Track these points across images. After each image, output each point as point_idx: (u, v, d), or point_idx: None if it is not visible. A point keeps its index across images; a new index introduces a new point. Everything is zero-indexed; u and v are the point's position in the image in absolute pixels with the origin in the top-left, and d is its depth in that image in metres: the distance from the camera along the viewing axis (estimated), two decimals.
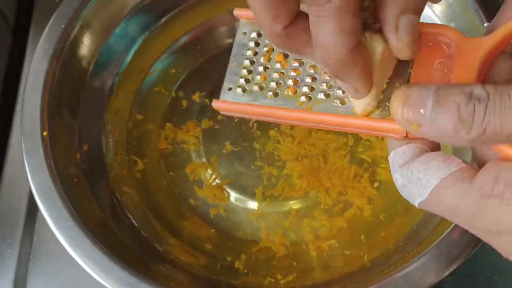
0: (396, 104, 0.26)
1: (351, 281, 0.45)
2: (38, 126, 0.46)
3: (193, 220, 0.51)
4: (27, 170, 0.45)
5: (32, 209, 0.51)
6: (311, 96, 0.30)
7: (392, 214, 0.49)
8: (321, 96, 0.30)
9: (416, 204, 0.27)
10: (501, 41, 0.27)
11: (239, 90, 0.32)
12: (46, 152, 0.45)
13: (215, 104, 0.32)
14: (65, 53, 0.49)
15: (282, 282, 0.47)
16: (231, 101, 0.32)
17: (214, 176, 0.52)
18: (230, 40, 0.56)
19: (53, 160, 0.45)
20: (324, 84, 0.30)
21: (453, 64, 0.28)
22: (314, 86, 0.30)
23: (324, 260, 0.49)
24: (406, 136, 0.28)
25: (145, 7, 0.55)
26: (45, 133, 0.46)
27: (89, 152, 0.50)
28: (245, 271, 0.48)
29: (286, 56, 0.32)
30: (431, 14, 0.52)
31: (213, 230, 0.51)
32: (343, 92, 0.30)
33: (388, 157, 0.29)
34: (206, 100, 0.54)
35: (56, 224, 0.43)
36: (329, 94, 0.30)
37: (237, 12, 0.33)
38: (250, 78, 0.32)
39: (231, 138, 0.53)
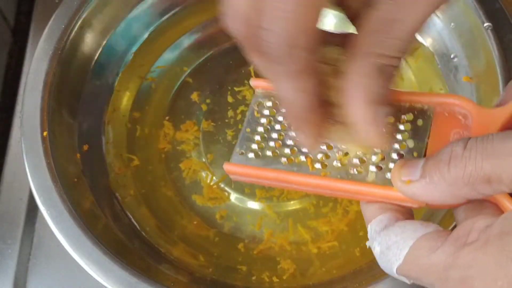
0: (394, 170, 0.27)
1: (351, 281, 0.45)
2: (38, 126, 0.46)
3: (193, 220, 0.51)
4: (27, 170, 0.45)
5: (32, 209, 0.51)
6: (327, 164, 0.30)
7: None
8: (336, 163, 0.29)
9: (394, 272, 0.27)
10: None
11: (251, 155, 0.31)
12: (46, 152, 0.45)
13: (226, 167, 0.31)
14: (65, 53, 0.49)
15: (282, 282, 0.47)
16: (242, 164, 0.31)
17: (214, 176, 0.52)
18: (230, 41, 0.55)
19: (53, 160, 0.45)
20: (340, 152, 0.30)
21: (471, 134, 0.28)
22: (330, 154, 0.30)
23: (324, 261, 0.48)
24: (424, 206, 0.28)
25: (145, 7, 0.55)
26: (45, 133, 0.46)
27: (89, 152, 0.50)
28: (246, 271, 0.48)
29: None
30: (431, 14, 0.52)
31: (213, 230, 0.51)
32: (360, 160, 0.29)
33: (367, 230, 0.29)
34: (207, 100, 0.54)
35: (56, 224, 0.43)
36: (345, 162, 0.29)
37: (253, 82, 0.33)
38: (264, 145, 0.31)
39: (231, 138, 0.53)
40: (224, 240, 0.50)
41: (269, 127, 0.32)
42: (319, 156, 0.30)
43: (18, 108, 0.55)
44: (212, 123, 0.54)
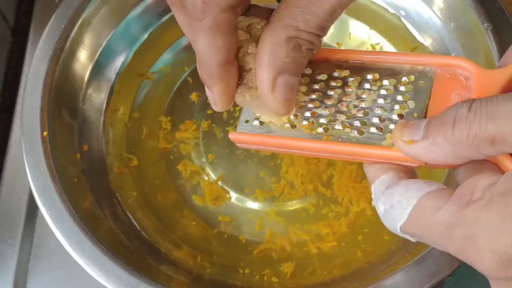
0: (396, 130, 0.28)
1: (351, 281, 0.45)
2: (38, 126, 0.46)
3: (194, 220, 0.51)
4: (27, 170, 0.45)
5: (32, 209, 0.51)
6: (328, 127, 0.30)
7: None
8: (338, 126, 0.30)
9: (398, 230, 0.27)
10: None
11: (256, 122, 0.32)
12: (46, 152, 0.45)
13: (232, 135, 0.32)
14: (65, 53, 0.49)
15: (282, 282, 0.47)
16: (248, 133, 0.32)
17: (214, 176, 0.52)
18: None
19: (53, 160, 0.45)
20: (343, 116, 0.30)
21: (472, 95, 0.28)
22: (332, 118, 0.30)
23: (324, 261, 0.48)
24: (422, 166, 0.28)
25: (145, 7, 0.55)
26: (45, 133, 0.46)
27: (89, 152, 0.50)
28: (246, 271, 0.48)
29: (306, 88, 0.32)
30: (432, 14, 0.52)
31: (213, 230, 0.51)
32: (362, 123, 0.30)
33: (371, 190, 0.29)
34: (208, 100, 0.54)
35: (56, 224, 0.43)
36: (346, 124, 0.30)
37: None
38: None
39: None
40: (224, 240, 0.50)
41: None
42: (322, 120, 0.30)
43: (18, 108, 0.55)
44: (212, 123, 0.54)
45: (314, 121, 0.30)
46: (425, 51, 0.53)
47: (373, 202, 0.29)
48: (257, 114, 0.32)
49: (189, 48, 0.56)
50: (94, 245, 0.42)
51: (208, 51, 0.28)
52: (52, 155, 0.45)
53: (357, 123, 0.30)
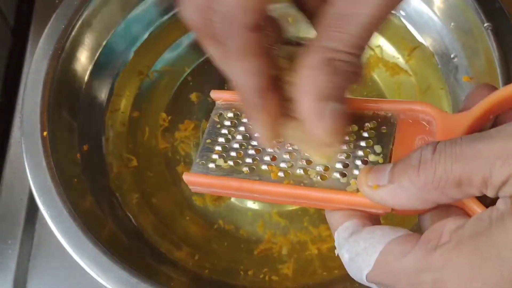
0: (361, 175, 0.27)
1: (351, 281, 0.45)
2: (38, 126, 0.46)
3: (194, 220, 0.51)
4: (27, 170, 0.45)
5: (32, 209, 0.51)
6: (289, 172, 0.29)
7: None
8: (299, 171, 0.29)
9: (364, 278, 0.26)
10: (480, 117, 0.27)
11: (212, 165, 0.30)
12: (46, 152, 0.45)
13: (185, 177, 0.30)
14: (65, 53, 0.49)
15: (282, 282, 0.47)
16: (203, 174, 0.30)
17: None
18: None
19: (53, 160, 0.45)
20: (304, 161, 0.29)
21: (436, 139, 0.27)
22: (293, 163, 0.29)
23: (324, 261, 0.48)
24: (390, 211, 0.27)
25: (145, 7, 0.55)
26: (45, 133, 0.46)
27: (89, 152, 0.50)
28: (246, 271, 0.48)
29: None
30: (431, 14, 0.52)
31: (213, 230, 0.51)
32: (324, 169, 0.29)
33: (334, 237, 0.28)
34: (208, 100, 0.54)
35: (56, 224, 0.43)
36: (307, 170, 0.29)
37: (214, 94, 0.33)
38: (225, 155, 0.30)
39: None
40: (224, 240, 0.50)
41: (230, 137, 0.31)
42: (282, 165, 0.29)
43: (18, 108, 0.55)
44: None
45: (274, 165, 0.29)
46: (425, 51, 0.53)
47: (336, 251, 0.28)
48: (213, 157, 0.30)
49: (189, 48, 0.57)
50: (94, 245, 0.42)
51: (243, 77, 0.27)
52: (52, 155, 0.45)
53: (319, 169, 0.29)
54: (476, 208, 0.25)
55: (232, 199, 0.52)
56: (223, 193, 0.31)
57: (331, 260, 0.48)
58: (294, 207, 0.51)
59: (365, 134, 0.30)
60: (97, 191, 0.49)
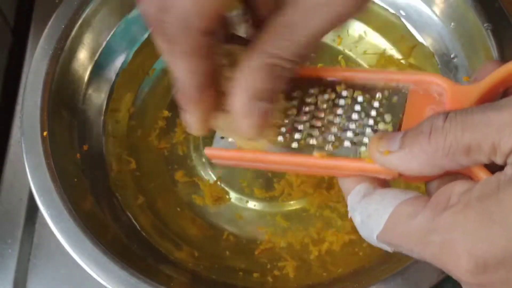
0: (372, 142, 0.28)
1: (351, 281, 0.45)
2: (38, 126, 0.46)
3: (194, 220, 0.51)
4: (27, 170, 0.45)
5: (32, 209, 0.51)
6: (303, 142, 0.30)
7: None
8: (313, 141, 0.30)
9: (374, 239, 0.27)
10: (490, 89, 0.28)
11: (231, 139, 0.32)
12: (46, 152, 0.45)
13: (208, 151, 0.32)
14: (65, 53, 0.49)
15: (282, 282, 0.47)
16: (223, 148, 0.32)
17: (214, 176, 0.52)
18: None
19: (53, 160, 0.45)
20: (317, 131, 0.30)
21: (446, 110, 0.28)
22: (306, 133, 0.30)
23: (324, 261, 0.48)
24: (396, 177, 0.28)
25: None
26: (45, 133, 0.46)
27: (89, 152, 0.50)
28: (246, 271, 0.48)
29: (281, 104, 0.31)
30: (431, 14, 0.52)
31: (213, 230, 0.51)
32: (335, 137, 0.30)
33: (347, 202, 0.29)
34: None
35: (56, 224, 0.43)
36: (321, 139, 0.30)
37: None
38: None
39: None
40: (224, 240, 0.50)
41: None
42: (296, 135, 0.30)
43: (18, 108, 0.55)
44: None
45: (289, 136, 0.31)
46: (423, 50, 0.53)
47: (349, 214, 0.29)
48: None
49: None
50: (94, 245, 0.42)
51: (186, 75, 0.28)
52: (52, 155, 0.45)
53: (331, 138, 0.30)
54: (483, 175, 0.25)
55: (232, 200, 0.52)
56: (242, 165, 0.32)
57: (331, 260, 0.48)
58: (294, 207, 0.51)
59: (376, 104, 0.30)
60: (97, 191, 0.49)
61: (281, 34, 0.27)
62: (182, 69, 0.28)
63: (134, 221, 0.50)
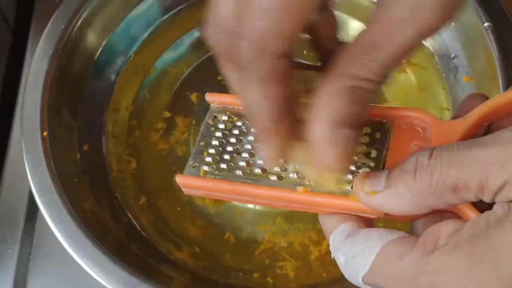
0: (356, 182, 0.27)
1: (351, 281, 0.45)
2: (38, 126, 0.46)
3: (194, 221, 0.51)
4: (27, 170, 0.45)
5: (32, 209, 0.51)
6: (283, 176, 0.29)
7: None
8: (293, 176, 0.29)
9: (360, 281, 0.26)
10: (474, 124, 0.27)
11: (205, 167, 0.30)
12: (46, 152, 0.45)
13: (178, 179, 0.30)
14: (65, 53, 0.49)
15: (282, 282, 0.47)
16: (196, 176, 0.30)
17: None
18: None
19: (53, 160, 0.45)
20: (297, 165, 0.29)
21: (431, 147, 0.27)
22: (287, 167, 0.29)
23: (324, 261, 0.48)
24: (383, 216, 0.27)
25: (145, 7, 0.55)
26: (45, 133, 0.46)
27: (89, 152, 0.50)
28: (246, 271, 0.48)
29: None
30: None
31: (213, 231, 0.51)
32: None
33: (329, 242, 0.28)
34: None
35: (56, 224, 0.43)
36: (302, 175, 0.29)
37: (209, 97, 0.33)
38: (218, 158, 0.30)
39: None
40: (224, 241, 0.50)
41: (224, 141, 0.31)
42: (276, 169, 0.29)
43: (18, 108, 0.55)
44: None
45: (268, 168, 0.29)
46: (425, 51, 0.53)
47: (332, 254, 0.28)
48: (207, 159, 0.30)
49: (189, 48, 0.57)
50: (94, 245, 0.42)
51: (262, 103, 0.26)
52: (52, 155, 0.45)
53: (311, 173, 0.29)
54: (471, 214, 0.25)
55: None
56: (216, 196, 0.30)
57: (331, 260, 0.48)
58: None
59: (359, 140, 0.29)
60: (97, 191, 0.49)
61: (364, 54, 0.25)
62: (257, 96, 0.26)
63: (134, 221, 0.50)
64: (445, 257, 0.23)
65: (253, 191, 0.29)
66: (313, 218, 0.50)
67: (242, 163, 0.30)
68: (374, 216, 0.27)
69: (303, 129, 0.27)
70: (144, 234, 0.49)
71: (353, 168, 0.28)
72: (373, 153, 0.29)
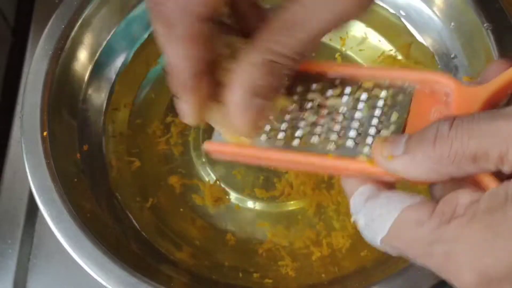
0: (376, 145, 0.27)
1: (352, 281, 0.45)
2: (38, 126, 0.46)
3: (194, 220, 0.51)
4: (27, 170, 0.45)
5: (32, 209, 0.51)
6: (304, 139, 0.29)
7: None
8: (315, 139, 0.29)
9: (378, 243, 0.27)
10: (498, 90, 0.27)
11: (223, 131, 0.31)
12: (46, 152, 0.45)
13: (207, 146, 0.31)
14: (65, 53, 0.49)
15: (283, 282, 0.47)
16: (222, 143, 0.31)
17: (214, 176, 0.52)
18: None
19: (53, 160, 0.45)
20: (319, 128, 0.30)
21: (452, 112, 0.28)
22: (308, 130, 0.30)
23: (325, 261, 0.48)
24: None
25: (145, 7, 0.55)
26: (45, 133, 0.46)
27: (89, 152, 0.50)
28: (247, 271, 0.48)
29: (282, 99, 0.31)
30: (431, 14, 0.52)
31: (213, 230, 0.51)
32: (338, 135, 0.29)
33: (350, 204, 0.28)
34: None
35: (56, 224, 0.43)
36: (323, 136, 0.29)
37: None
38: None
39: None
40: (224, 241, 0.50)
41: None
42: (298, 132, 0.30)
43: (18, 108, 0.55)
44: None
45: (290, 133, 0.30)
46: (425, 51, 0.53)
47: (352, 217, 0.28)
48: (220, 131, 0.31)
49: None
50: (94, 245, 0.42)
51: (181, 60, 0.28)
52: (52, 155, 0.45)
53: (333, 136, 0.29)
54: (491, 182, 0.25)
55: (232, 200, 0.52)
56: (242, 160, 0.31)
57: (331, 261, 0.48)
58: (295, 207, 0.51)
59: (380, 103, 0.29)
60: (97, 191, 0.49)
61: (283, 31, 0.27)
62: (178, 54, 0.28)
63: (134, 221, 0.50)
64: (462, 228, 0.23)
65: (274, 155, 0.30)
66: (314, 218, 0.50)
67: (267, 128, 0.30)
68: (392, 180, 0.28)
69: (222, 92, 0.29)
70: (144, 234, 0.49)
71: (373, 131, 0.29)
72: (394, 116, 0.29)
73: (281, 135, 0.30)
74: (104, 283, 0.41)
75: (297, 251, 0.49)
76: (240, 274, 0.48)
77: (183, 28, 0.27)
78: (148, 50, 0.56)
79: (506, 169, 0.24)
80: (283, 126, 0.30)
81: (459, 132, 0.24)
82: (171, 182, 0.52)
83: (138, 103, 0.55)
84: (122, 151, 0.53)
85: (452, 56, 0.51)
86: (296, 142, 0.30)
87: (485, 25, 0.47)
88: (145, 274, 0.42)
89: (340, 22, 0.27)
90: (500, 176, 0.25)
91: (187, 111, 0.30)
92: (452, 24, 0.51)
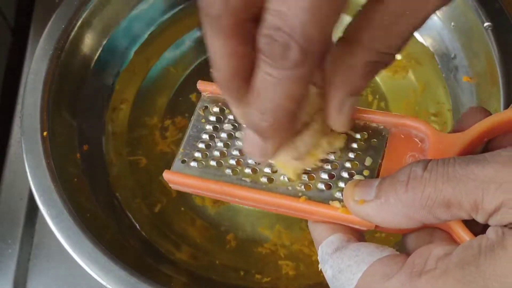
0: (347, 189, 0.26)
1: None
2: (38, 126, 0.46)
3: (194, 221, 0.51)
4: (27, 170, 0.45)
5: (32, 209, 0.51)
6: (273, 178, 0.28)
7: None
8: (284, 178, 0.28)
9: None
10: (474, 139, 0.27)
11: (194, 163, 0.29)
12: (46, 152, 0.45)
13: (166, 175, 0.29)
14: (65, 53, 0.49)
15: (282, 282, 0.47)
16: (185, 174, 0.28)
17: None
18: None
19: (53, 160, 0.45)
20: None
21: (427, 158, 0.26)
22: (277, 168, 0.28)
23: None
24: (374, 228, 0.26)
25: (146, 7, 0.55)
26: (45, 133, 0.46)
27: (89, 152, 0.50)
28: (246, 271, 0.48)
29: None
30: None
31: (213, 231, 0.51)
32: (309, 178, 0.28)
33: (318, 252, 0.27)
34: None
35: (56, 224, 0.43)
36: (293, 178, 0.28)
37: (200, 86, 0.32)
38: (207, 153, 0.29)
39: None
40: (224, 241, 0.50)
41: (214, 135, 0.30)
42: (266, 170, 0.28)
43: (18, 108, 0.55)
44: None
45: (258, 169, 0.28)
46: (425, 51, 0.53)
47: (320, 265, 0.27)
48: (196, 155, 0.29)
49: (190, 48, 0.57)
50: (94, 245, 0.42)
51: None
52: (52, 155, 0.45)
53: (304, 177, 0.28)
54: (462, 233, 0.24)
55: None
56: (203, 194, 0.29)
57: None
58: None
59: (354, 145, 0.29)
60: (97, 191, 0.49)
61: (384, 28, 0.24)
62: (217, 48, 0.25)
63: (134, 221, 0.50)
64: (433, 282, 0.22)
65: (241, 193, 0.28)
66: None
67: (232, 161, 0.29)
68: (364, 228, 0.26)
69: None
70: (144, 234, 0.49)
71: (346, 175, 0.28)
72: (368, 161, 0.28)
73: (247, 171, 0.28)
74: (104, 283, 0.41)
75: (297, 251, 0.49)
76: (240, 274, 0.48)
77: (226, 22, 0.24)
78: (149, 50, 0.56)
79: (479, 218, 0.23)
80: (251, 161, 0.29)
81: (433, 175, 0.23)
82: None
83: (138, 102, 0.55)
84: (122, 151, 0.53)
85: (452, 56, 0.51)
86: (263, 179, 0.28)
87: (485, 25, 0.47)
88: (145, 274, 0.42)
89: (437, 8, 0.25)
90: (474, 227, 0.24)
91: (269, 150, 0.26)
92: (452, 24, 0.51)
